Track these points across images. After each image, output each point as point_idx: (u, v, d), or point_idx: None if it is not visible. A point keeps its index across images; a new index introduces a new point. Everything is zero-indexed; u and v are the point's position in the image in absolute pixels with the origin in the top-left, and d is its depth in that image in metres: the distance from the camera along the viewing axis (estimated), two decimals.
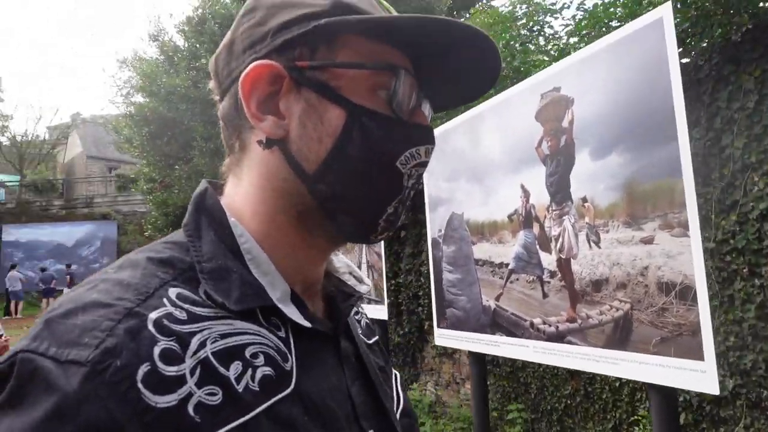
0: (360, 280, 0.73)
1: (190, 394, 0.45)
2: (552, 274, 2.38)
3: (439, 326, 3.19)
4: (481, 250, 2.86)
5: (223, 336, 0.50)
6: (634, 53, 1.96)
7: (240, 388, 0.49)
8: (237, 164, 0.62)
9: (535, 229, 2.48)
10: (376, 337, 0.78)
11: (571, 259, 2.27)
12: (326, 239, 0.62)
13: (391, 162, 0.57)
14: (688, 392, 3.06)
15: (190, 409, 0.45)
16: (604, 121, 2.10)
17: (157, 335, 0.46)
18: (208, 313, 0.51)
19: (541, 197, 2.44)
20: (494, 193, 2.76)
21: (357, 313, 0.77)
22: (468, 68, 0.62)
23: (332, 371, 0.60)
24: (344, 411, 0.58)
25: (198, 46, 10.06)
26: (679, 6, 2.95)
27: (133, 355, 0.44)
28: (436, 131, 3.35)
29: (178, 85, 10.51)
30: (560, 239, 2.34)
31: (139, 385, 0.43)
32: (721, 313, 2.92)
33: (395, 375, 0.76)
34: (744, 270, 2.80)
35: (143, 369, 0.44)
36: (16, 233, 21.88)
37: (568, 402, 3.90)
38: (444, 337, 3.12)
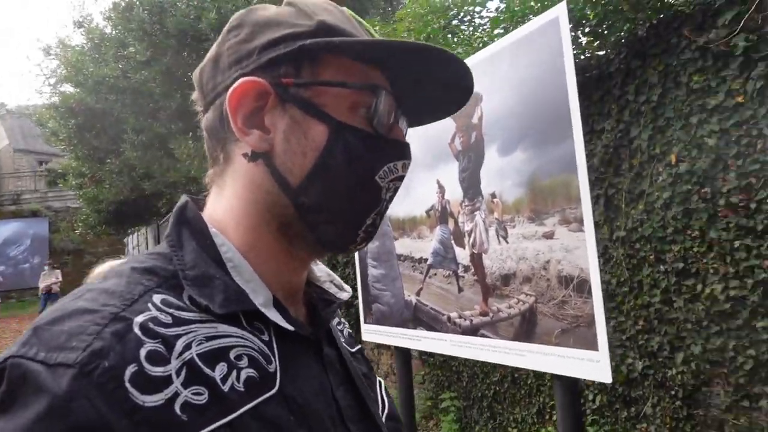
0: (340, 288, 0.75)
1: (176, 394, 0.47)
2: (466, 269, 2.42)
3: (365, 322, 3.19)
4: (403, 246, 2.87)
5: (208, 338, 0.52)
6: (534, 51, 2.00)
7: (225, 388, 0.51)
8: (220, 175, 0.64)
9: (450, 224, 2.51)
10: (359, 346, 0.80)
11: (483, 254, 2.31)
12: (307, 250, 0.64)
13: (371, 176, 0.61)
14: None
15: (177, 408, 0.47)
16: (509, 117, 2.13)
17: (143, 337, 0.48)
18: (193, 317, 0.53)
19: (455, 193, 2.46)
20: (413, 189, 2.76)
21: (339, 323, 0.79)
22: (442, 87, 0.67)
23: (316, 375, 0.62)
24: (329, 413, 0.60)
25: (126, 33, 9.60)
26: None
27: (120, 357, 0.46)
28: None
29: (106, 75, 10.03)
30: (472, 234, 2.38)
31: (127, 385, 0.45)
32: (631, 299, 3.05)
33: (379, 381, 0.78)
34: (651, 257, 2.93)
35: (130, 369, 0.46)
36: None
37: (497, 389, 4.00)
38: (370, 333, 3.13)
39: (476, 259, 2.35)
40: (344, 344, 0.73)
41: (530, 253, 2.06)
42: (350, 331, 0.82)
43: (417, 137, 2.71)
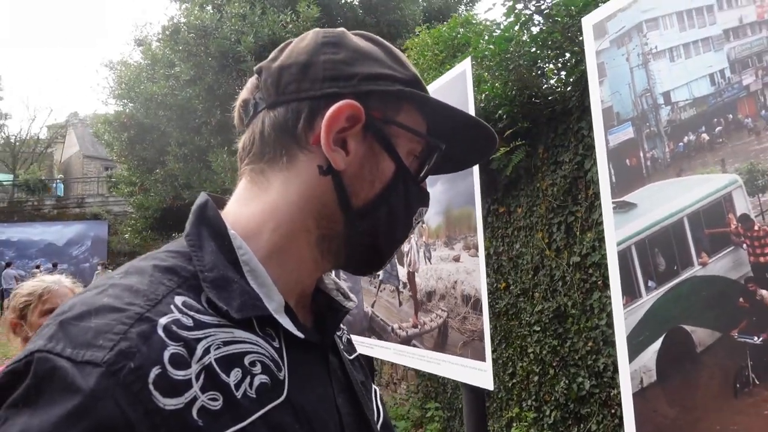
0: (346, 297, 0.75)
1: (194, 399, 0.48)
2: (404, 285, 2.71)
3: None
4: None
5: (226, 343, 0.53)
6: (452, 95, 2.29)
7: (239, 394, 0.52)
8: (263, 173, 0.65)
9: None
10: (356, 354, 0.81)
11: (415, 273, 2.59)
12: (332, 264, 0.68)
13: (410, 216, 0.69)
14: (557, 391, 3.38)
15: (194, 413, 0.48)
16: None
17: (167, 340, 0.49)
18: (211, 321, 0.54)
19: None
20: None
21: (339, 329, 0.79)
22: (468, 151, 0.76)
23: (321, 382, 0.63)
24: (333, 421, 0.62)
25: (173, 54, 10.40)
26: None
27: (146, 358, 0.47)
28: None
29: (155, 92, 10.84)
30: (409, 254, 2.67)
31: (150, 387, 0.46)
32: (582, 321, 3.23)
33: (375, 390, 0.79)
34: (600, 282, 3.12)
35: (155, 371, 0.47)
36: (8, 232, 22.24)
37: None
38: None
39: (411, 276, 2.64)
40: (344, 352, 0.74)
41: (445, 273, 2.34)
42: (349, 338, 0.83)
43: None
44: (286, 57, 0.66)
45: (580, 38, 3.29)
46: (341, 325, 0.80)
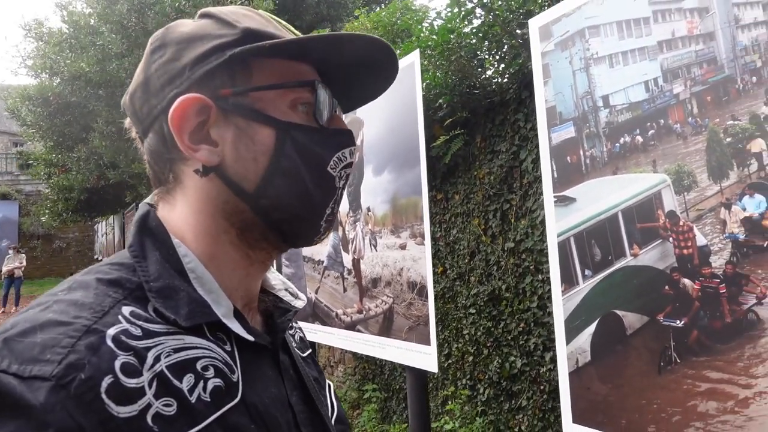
0: (295, 296, 0.75)
1: (149, 405, 0.49)
2: (349, 272, 2.75)
3: None
4: (306, 249, 3.19)
5: (176, 350, 0.53)
6: (401, 88, 2.33)
7: (193, 399, 0.52)
8: (168, 193, 0.64)
9: (340, 232, 2.84)
10: (309, 350, 0.81)
11: (361, 260, 2.64)
12: (269, 250, 0.66)
13: (323, 168, 0.63)
14: (490, 369, 3.56)
15: (149, 419, 0.48)
16: (380, 143, 2.46)
17: (116, 350, 0.49)
18: (160, 329, 0.54)
19: (343, 204, 2.79)
20: None
21: (291, 327, 0.79)
22: (367, 70, 0.69)
23: (273, 382, 0.63)
24: (286, 419, 0.62)
25: (100, 24, 9.76)
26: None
27: (96, 369, 0.47)
28: None
29: (83, 68, 10.14)
30: (354, 242, 2.71)
31: (103, 396, 0.46)
32: (515, 303, 3.41)
33: (328, 385, 0.80)
34: (532, 267, 3.29)
35: (107, 381, 0.47)
36: None
37: None
38: None
39: (356, 263, 2.68)
40: (296, 349, 0.74)
41: (391, 260, 2.40)
42: (302, 335, 0.82)
43: None
44: (131, 84, 0.65)
45: (518, 32, 3.43)
46: (294, 323, 0.81)
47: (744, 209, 1.22)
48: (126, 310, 0.53)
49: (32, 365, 0.46)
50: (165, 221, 0.64)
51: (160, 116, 0.61)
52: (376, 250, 2.51)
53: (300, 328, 0.84)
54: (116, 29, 9.41)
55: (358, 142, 2.66)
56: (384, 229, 2.44)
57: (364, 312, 2.61)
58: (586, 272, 1.53)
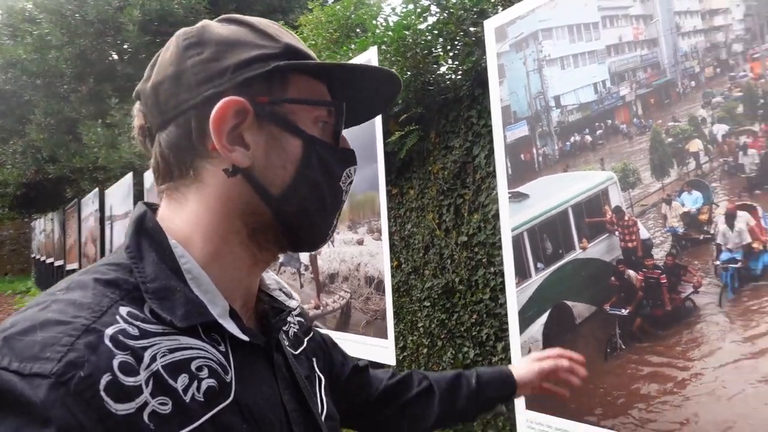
0: (289, 296, 0.77)
1: (145, 403, 0.50)
2: (306, 268, 2.75)
3: None
4: None
5: (171, 351, 0.55)
6: None
7: (187, 398, 0.54)
8: (178, 189, 0.65)
9: None
10: (302, 348, 0.82)
11: (317, 256, 2.64)
12: (275, 252, 0.69)
13: (336, 182, 0.68)
14: (444, 361, 3.64)
15: (146, 417, 0.50)
16: None
17: (114, 349, 0.51)
18: (156, 330, 0.55)
19: None
20: None
21: (286, 324, 0.80)
22: (373, 98, 0.75)
23: (266, 382, 0.65)
24: (278, 418, 0.64)
25: (37, 12, 9.26)
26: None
27: (95, 367, 0.49)
28: None
29: (20, 54, 9.59)
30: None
31: (102, 393, 0.48)
32: (468, 296, 3.50)
33: (319, 380, 0.81)
34: (485, 260, 3.38)
35: (105, 379, 0.48)
36: None
37: None
38: None
39: (313, 259, 2.69)
40: (288, 348, 0.76)
41: (348, 256, 2.42)
42: (295, 331, 0.83)
43: None
44: (156, 74, 0.65)
45: (472, 30, 3.51)
46: (289, 319, 0.82)
47: (683, 205, 1.31)
48: (123, 310, 0.55)
49: (33, 363, 0.47)
50: (168, 218, 0.65)
51: (189, 111, 0.62)
52: (334, 246, 2.52)
53: (297, 324, 0.85)
54: (55, 18, 8.97)
55: None
56: (341, 224, 2.45)
57: (322, 308, 2.62)
58: (539, 265, 1.60)
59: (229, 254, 0.65)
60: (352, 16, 5.42)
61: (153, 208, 0.68)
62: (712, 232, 1.26)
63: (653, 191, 1.37)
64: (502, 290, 3.23)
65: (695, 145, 1.28)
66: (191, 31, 0.65)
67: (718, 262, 1.25)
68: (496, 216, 3.28)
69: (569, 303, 1.54)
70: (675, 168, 1.32)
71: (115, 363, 0.50)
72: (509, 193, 1.69)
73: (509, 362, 3.14)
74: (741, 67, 1.20)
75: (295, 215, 0.65)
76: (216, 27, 0.66)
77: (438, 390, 1.03)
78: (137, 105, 0.68)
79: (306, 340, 0.84)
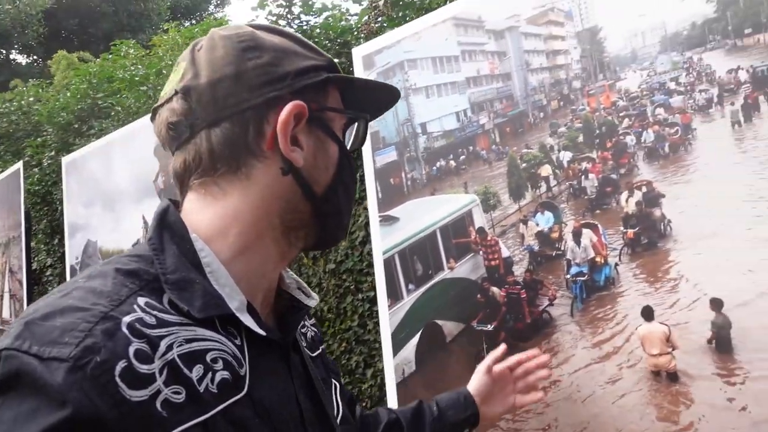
0: (308, 295, 0.77)
1: (158, 391, 0.52)
2: None
3: None
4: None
5: (188, 341, 0.56)
6: None
7: (201, 389, 0.55)
8: (217, 184, 0.66)
9: None
10: (319, 350, 0.83)
11: None
12: (299, 248, 0.72)
13: (356, 184, 0.76)
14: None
15: (158, 405, 0.52)
16: None
17: (131, 336, 0.52)
18: (174, 320, 0.57)
19: None
20: (123, 222, 2.80)
21: (304, 326, 0.83)
22: (374, 106, 0.80)
23: (282, 379, 0.66)
24: (292, 416, 0.65)
25: None
26: None
27: (111, 353, 0.50)
28: (75, 155, 3.24)
29: None
30: None
31: (117, 379, 0.50)
32: (337, 324, 3.48)
33: (335, 385, 0.82)
34: (352, 287, 3.40)
35: (121, 365, 0.50)
36: None
37: None
38: None
39: None
40: (306, 349, 0.77)
41: None
42: (313, 335, 0.85)
43: (127, 171, 2.77)
44: (210, 71, 0.65)
45: (336, 61, 3.57)
46: (307, 322, 0.85)
47: (537, 224, 1.44)
48: (141, 300, 0.57)
49: (51, 347, 0.49)
50: (195, 211, 0.67)
51: (248, 111, 0.64)
52: None
53: (314, 327, 0.87)
54: None
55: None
56: None
57: None
58: (410, 286, 1.64)
59: (260, 249, 0.67)
60: None
61: (176, 203, 0.70)
62: (562, 248, 1.39)
63: (511, 212, 1.48)
64: (370, 316, 3.26)
65: (546, 170, 1.42)
66: (243, 34, 0.68)
67: (568, 276, 1.38)
68: (363, 242, 3.33)
69: (440, 322, 1.59)
70: (529, 191, 1.45)
71: (131, 350, 0.52)
72: (380, 216, 1.72)
73: (378, 389, 3.16)
74: (580, 102, 1.36)
75: (332, 214, 0.71)
76: (264, 35, 0.69)
77: (405, 422, 1.01)
78: (178, 101, 0.66)
79: (321, 348, 0.86)
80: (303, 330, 0.82)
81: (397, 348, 1.66)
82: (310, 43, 0.73)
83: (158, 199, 2.56)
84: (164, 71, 4.47)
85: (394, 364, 1.67)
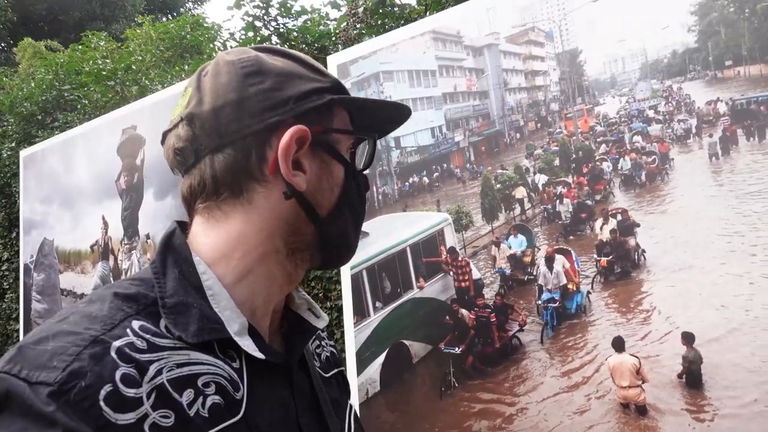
0: (318, 315, 0.77)
1: (146, 415, 0.52)
2: None
3: None
4: (67, 280, 2.74)
5: (179, 365, 0.56)
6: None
7: (191, 413, 0.55)
8: (219, 208, 0.66)
9: (111, 261, 2.50)
10: (335, 370, 0.82)
11: None
12: (305, 269, 0.71)
13: (365, 203, 0.75)
14: None
15: (146, 428, 0.52)
16: (165, 164, 2.25)
17: (119, 361, 0.52)
18: (167, 344, 0.57)
19: (117, 230, 2.47)
20: (81, 222, 2.68)
21: (318, 346, 0.83)
22: (383, 122, 0.79)
23: (283, 402, 0.65)
24: None
25: None
26: None
27: (97, 377, 0.51)
28: (34, 149, 3.10)
29: None
30: (129, 272, 2.41)
31: (101, 403, 0.50)
32: None
33: (350, 406, 0.81)
34: (321, 294, 3.33)
35: (106, 389, 0.50)
36: None
37: None
38: None
39: None
40: (318, 369, 0.77)
41: None
42: (329, 354, 0.84)
43: (87, 168, 2.66)
44: (214, 98, 0.65)
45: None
46: (324, 342, 0.85)
47: (510, 247, 1.40)
48: (136, 324, 0.57)
49: (40, 371, 0.50)
50: (200, 235, 0.67)
51: (250, 137, 0.64)
52: None
53: (332, 346, 0.87)
54: None
55: (138, 161, 2.40)
56: None
57: None
58: (377, 304, 1.59)
59: (264, 271, 0.67)
60: (188, 36, 5.15)
61: (183, 225, 0.70)
62: (534, 273, 1.36)
63: (484, 234, 1.44)
64: (338, 325, 3.19)
65: (520, 191, 1.38)
66: (247, 59, 0.67)
67: (539, 302, 1.35)
68: None
69: (406, 342, 1.54)
70: (503, 212, 1.41)
71: (118, 374, 0.52)
72: None
73: None
74: (557, 124, 1.34)
75: (336, 235, 0.70)
76: (268, 58, 0.68)
77: None
78: (183, 127, 0.67)
79: (338, 369, 0.84)
80: (318, 350, 0.83)
81: (362, 367, 1.61)
82: (317, 64, 0.72)
83: (119, 199, 2.46)
84: (133, 66, 4.34)
85: (358, 383, 1.61)
